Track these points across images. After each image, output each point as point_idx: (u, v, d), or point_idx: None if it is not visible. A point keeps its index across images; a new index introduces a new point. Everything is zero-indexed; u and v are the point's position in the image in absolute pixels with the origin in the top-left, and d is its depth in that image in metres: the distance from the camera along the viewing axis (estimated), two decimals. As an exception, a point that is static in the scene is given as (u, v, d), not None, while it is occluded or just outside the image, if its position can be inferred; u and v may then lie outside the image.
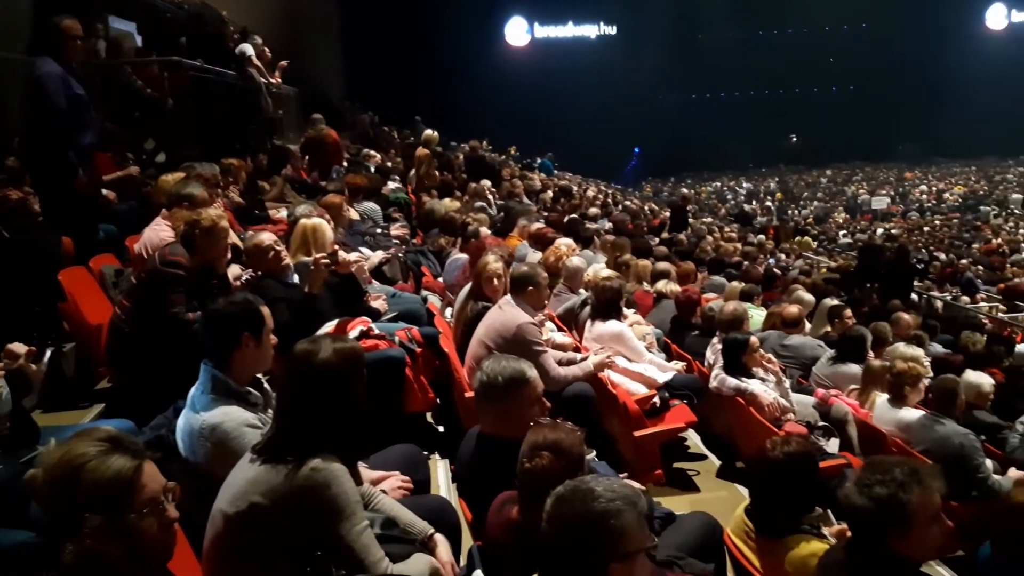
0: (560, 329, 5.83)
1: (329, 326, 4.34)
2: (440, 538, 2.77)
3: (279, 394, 2.65)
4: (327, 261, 4.52)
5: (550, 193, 14.37)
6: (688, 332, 6.64)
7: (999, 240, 23.08)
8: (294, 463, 2.38)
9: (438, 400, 4.99)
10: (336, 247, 4.97)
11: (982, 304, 15.25)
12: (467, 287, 5.35)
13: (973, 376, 5.88)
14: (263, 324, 2.94)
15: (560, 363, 4.77)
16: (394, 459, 3.28)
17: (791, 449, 3.08)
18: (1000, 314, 14.03)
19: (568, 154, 28.79)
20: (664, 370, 5.55)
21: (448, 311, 6.03)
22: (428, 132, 12.77)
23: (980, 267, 19.09)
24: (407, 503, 2.94)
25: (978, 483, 4.78)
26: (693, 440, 5.94)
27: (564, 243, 7.06)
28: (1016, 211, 30.60)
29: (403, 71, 33.37)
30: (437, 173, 11.82)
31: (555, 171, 23.83)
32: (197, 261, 4.23)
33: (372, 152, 13.75)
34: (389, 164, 13.40)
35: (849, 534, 2.79)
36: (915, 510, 2.44)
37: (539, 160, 23.16)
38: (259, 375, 3.04)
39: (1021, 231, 24.81)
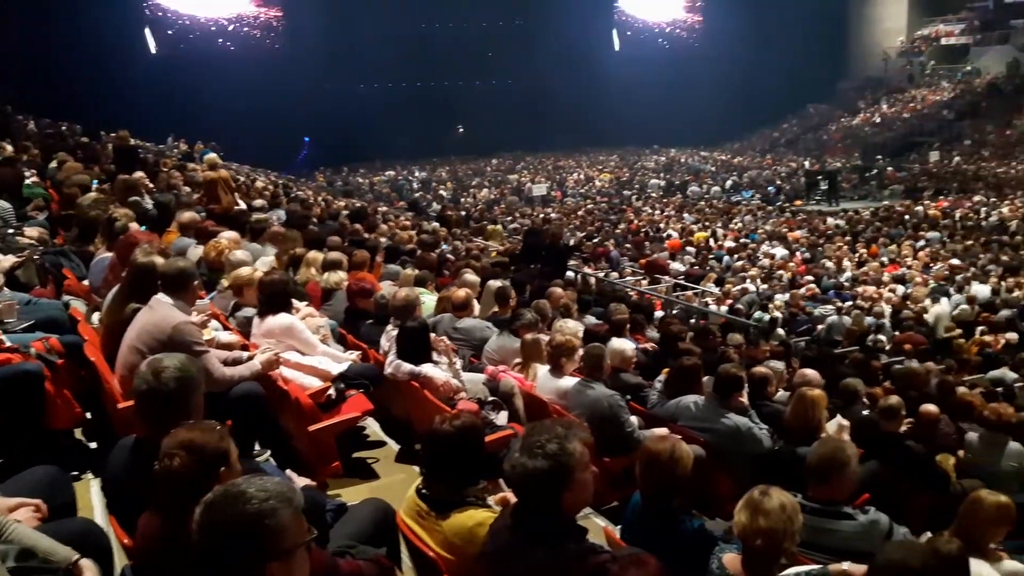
0: (226, 327, 5.56)
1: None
2: (87, 563, 2.52)
3: None
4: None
5: (215, 185, 13.62)
6: (363, 321, 6.65)
7: (640, 221, 25.86)
8: None
9: (87, 414, 4.55)
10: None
11: (628, 278, 17.02)
12: (116, 288, 4.90)
13: (618, 343, 6.53)
14: None
15: (226, 363, 4.54)
16: (30, 483, 2.95)
17: (459, 423, 3.21)
18: (643, 286, 15.76)
19: (234, 144, 27.55)
20: (339, 361, 5.51)
21: (96, 316, 5.49)
22: (212, 156, 12.05)
23: (626, 245, 21.26)
24: (48, 529, 2.65)
25: (625, 437, 5.33)
26: (373, 428, 5.97)
27: (226, 236, 6.74)
28: (653, 195, 34.48)
29: (41, 54, 29.91)
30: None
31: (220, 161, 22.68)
32: None
33: (4, 144, 12.16)
34: (25, 157, 11.91)
35: (513, 500, 2.95)
36: (578, 459, 2.65)
37: (201, 150, 21.86)
38: None
39: (657, 213, 27.94)
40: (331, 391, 5.12)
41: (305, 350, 5.34)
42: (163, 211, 8.76)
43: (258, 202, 12.33)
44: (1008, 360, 11.24)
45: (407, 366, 5.45)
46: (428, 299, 7.61)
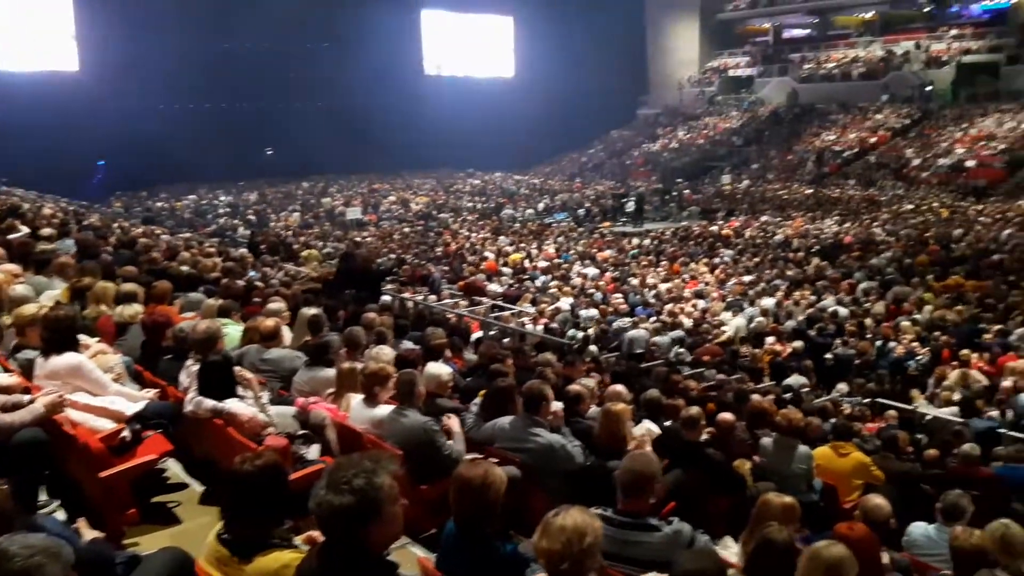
0: (6, 369, 5.10)
1: None
2: None
3: None
4: None
5: (-7, 212, 12.51)
6: (161, 356, 6.28)
7: (457, 243, 26.07)
8: None
9: None
10: None
11: (447, 300, 17.05)
12: None
13: (434, 368, 6.52)
14: None
15: (4, 408, 4.16)
16: None
17: (260, 462, 3.08)
18: (461, 308, 15.84)
19: (18, 167, 25.42)
20: (134, 400, 5.17)
21: None
22: None
23: (443, 267, 21.33)
24: None
25: (443, 461, 5.30)
26: (174, 470, 5.62)
27: (4, 269, 6.18)
28: (469, 218, 34.90)
29: None
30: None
31: (3, 188, 20.86)
32: None
33: None
34: None
35: (321, 538, 2.86)
36: (387, 492, 2.61)
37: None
38: None
39: (474, 235, 28.28)
40: (125, 433, 4.79)
41: (95, 391, 4.97)
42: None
43: (45, 231, 11.37)
44: (795, 367, 12.22)
45: (209, 402, 5.18)
46: (233, 330, 7.30)
